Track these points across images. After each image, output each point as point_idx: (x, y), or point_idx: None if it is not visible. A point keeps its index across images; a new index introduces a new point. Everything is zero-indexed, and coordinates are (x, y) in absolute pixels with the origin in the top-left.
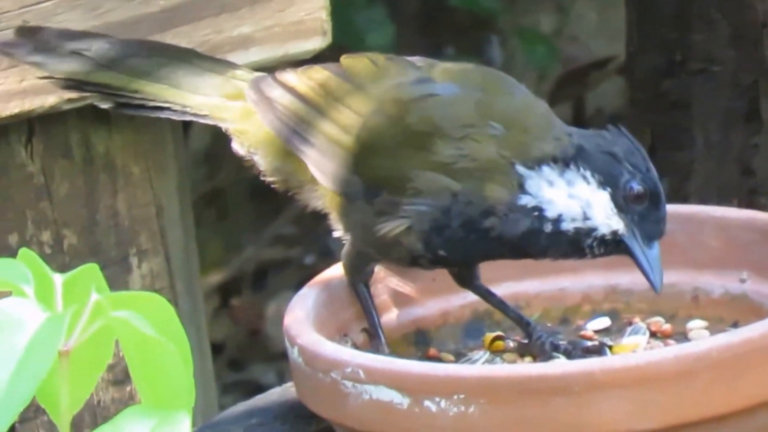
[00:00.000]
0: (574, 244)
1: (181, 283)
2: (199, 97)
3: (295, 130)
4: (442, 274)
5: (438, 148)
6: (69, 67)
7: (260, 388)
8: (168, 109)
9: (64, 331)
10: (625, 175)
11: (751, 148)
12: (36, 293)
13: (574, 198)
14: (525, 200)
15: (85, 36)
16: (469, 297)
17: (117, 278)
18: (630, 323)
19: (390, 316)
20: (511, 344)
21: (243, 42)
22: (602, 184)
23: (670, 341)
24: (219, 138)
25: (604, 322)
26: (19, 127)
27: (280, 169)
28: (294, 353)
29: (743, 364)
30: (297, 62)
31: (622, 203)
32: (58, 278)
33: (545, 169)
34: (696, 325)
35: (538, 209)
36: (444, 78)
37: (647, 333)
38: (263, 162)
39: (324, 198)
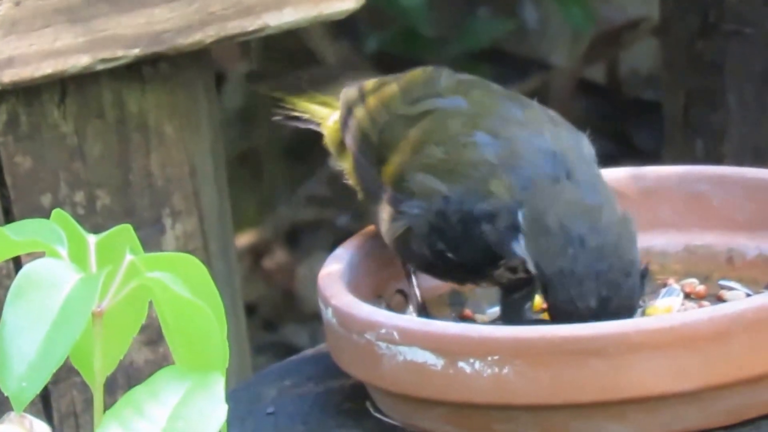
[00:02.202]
0: None
1: (215, 244)
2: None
3: (348, 126)
4: None
5: (427, 151)
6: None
7: (293, 349)
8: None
9: (97, 292)
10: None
11: None
12: (70, 254)
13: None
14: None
15: None
16: None
17: (150, 239)
18: (664, 285)
19: (424, 277)
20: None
21: (276, 3)
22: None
23: (704, 303)
24: (252, 97)
25: None
26: (51, 87)
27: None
28: (328, 314)
29: None
30: (333, 23)
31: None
32: (92, 239)
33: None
34: (730, 287)
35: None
36: (455, 93)
37: (681, 294)
38: (336, 160)
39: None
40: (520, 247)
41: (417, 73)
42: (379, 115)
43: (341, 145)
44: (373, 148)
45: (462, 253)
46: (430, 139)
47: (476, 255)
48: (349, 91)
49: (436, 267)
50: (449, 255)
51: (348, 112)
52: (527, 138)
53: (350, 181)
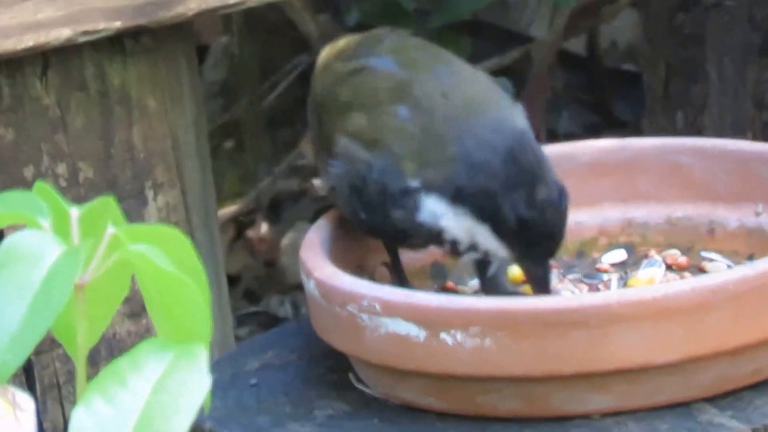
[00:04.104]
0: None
1: (198, 216)
2: None
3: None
4: None
5: (354, 118)
6: None
7: (276, 320)
8: None
9: (80, 264)
10: (504, 210)
11: (766, 83)
12: (52, 226)
13: (462, 230)
14: (423, 218)
15: None
16: None
17: (133, 211)
18: (646, 256)
19: (408, 250)
20: None
21: None
22: (482, 219)
23: (686, 274)
24: (234, 69)
25: (620, 255)
26: (34, 60)
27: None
28: (310, 286)
29: (759, 296)
30: None
31: (504, 234)
32: (75, 211)
33: (433, 197)
34: (711, 258)
35: (437, 231)
36: (388, 52)
37: (663, 266)
38: None
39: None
40: (443, 220)
41: (372, 32)
42: (322, 74)
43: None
44: (315, 109)
45: (375, 219)
46: (356, 102)
47: (386, 224)
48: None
49: (359, 227)
50: (363, 217)
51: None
52: (445, 112)
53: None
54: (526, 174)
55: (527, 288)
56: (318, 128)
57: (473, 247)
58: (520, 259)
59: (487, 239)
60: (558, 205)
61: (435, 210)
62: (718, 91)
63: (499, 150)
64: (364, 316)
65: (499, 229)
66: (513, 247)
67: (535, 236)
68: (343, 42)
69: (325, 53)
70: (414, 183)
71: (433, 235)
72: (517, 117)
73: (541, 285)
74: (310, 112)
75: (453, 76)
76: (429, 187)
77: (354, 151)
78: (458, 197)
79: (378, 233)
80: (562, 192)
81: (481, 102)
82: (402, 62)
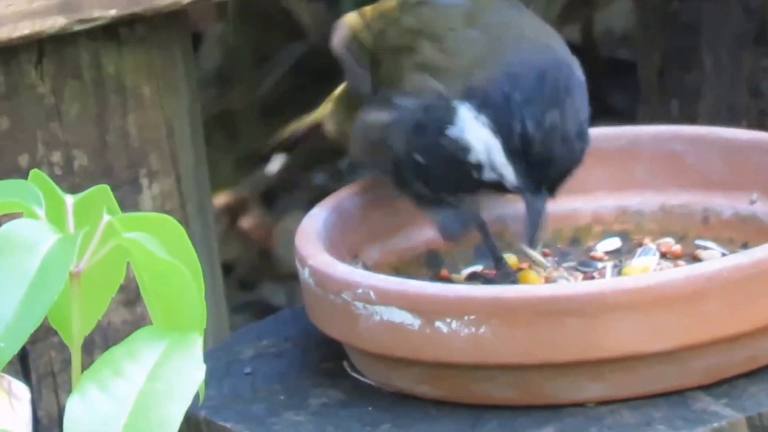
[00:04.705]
0: (481, 183)
1: (192, 204)
2: None
3: (345, 45)
4: None
5: (424, 49)
6: None
7: (270, 309)
8: None
9: (75, 252)
10: (514, 123)
11: (761, 71)
12: (47, 214)
13: (481, 143)
14: (455, 132)
15: None
16: None
17: (127, 199)
18: (640, 244)
19: (401, 237)
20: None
21: None
22: (496, 133)
23: (680, 262)
24: (230, 58)
25: (614, 243)
26: (29, 48)
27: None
28: (305, 274)
29: (754, 284)
30: None
31: (510, 154)
32: (70, 199)
33: (466, 105)
34: (706, 246)
35: (465, 150)
36: None
37: (657, 254)
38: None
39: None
40: (468, 132)
41: None
42: (375, 22)
43: (338, 104)
44: (367, 53)
45: (432, 159)
46: (425, 31)
47: (445, 166)
48: (348, 15)
49: (404, 169)
50: (418, 158)
51: (344, 31)
52: (504, 37)
53: (333, 119)
54: (548, 96)
55: (522, 275)
56: (371, 73)
57: (492, 168)
58: (521, 187)
59: (498, 156)
60: (567, 135)
61: (464, 120)
62: (713, 79)
63: (534, 66)
64: (359, 305)
65: (507, 143)
66: (516, 168)
67: (535, 159)
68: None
69: (369, 10)
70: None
71: (463, 159)
72: (566, 52)
73: (531, 219)
74: (354, 64)
75: (513, 10)
76: (464, 97)
77: (426, 80)
78: (482, 105)
79: (429, 179)
80: (582, 130)
81: (536, 31)
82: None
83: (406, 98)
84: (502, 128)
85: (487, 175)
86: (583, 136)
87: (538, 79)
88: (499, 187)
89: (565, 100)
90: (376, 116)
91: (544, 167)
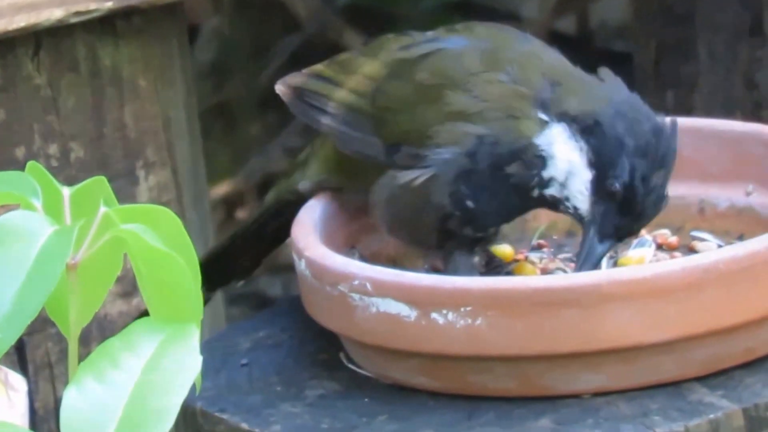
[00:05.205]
0: (546, 204)
1: (189, 196)
2: None
3: (312, 105)
4: None
5: (450, 98)
6: None
7: (266, 300)
8: None
9: (72, 243)
10: (617, 169)
11: (756, 62)
12: (44, 206)
13: (565, 163)
14: (540, 140)
15: None
16: None
17: (124, 191)
18: (636, 235)
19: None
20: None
21: None
22: (592, 165)
23: (676, 254)
24: (226, 50)
25: None
26: (26, 40)
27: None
28: (301, 266)
29: (750, 276)
30: None
31: (600, 191)
32: (66, 191)
33: (562, 125)
34: (702, 238)
35: (543, 161)
36: (450, 34)
37: (653, 245)
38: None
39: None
40: (557, 145)
41: (383, 40)
42: (363, 86)
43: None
44: (368, 117)
45: (483, 199)
46: (446, 81)
47: (498, 201)
48: (294, 76)
49: (452, 219)
50: (469, 204)
51: (303, 88)
52: (549, 69)
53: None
54: (662, 156)
55: (518, 267)
56: (383, 134)
57: (559, 186)
58: (591, 223)
59: (580, 185)
60: (661, 197)
61: (556, 135)
62: (708, 70)
63: (649, 119)
64: (355, 296)
65: (601, 181)
66: (596, 207)
67: (625, 210)
68: (360, 60)
69: (365, 71)
70: (535, 106)
71: (536, 167)
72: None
73: (589, 259)
74: (354, 127)
75: (527, 42)
76: (561, 116)
77: (461, 128)
78: (587, 132)
79: (478, 218)
80: (664, 193)
81: (569, 66)
82: (472, 37)
83: (442, 149)
84: (603, 165)
85: (551, 191)
86: (666, 198)
87: (655, 135)
88: (553, 205)
89: (671, 163)
90: (408, 176)
91: (631, 220)
